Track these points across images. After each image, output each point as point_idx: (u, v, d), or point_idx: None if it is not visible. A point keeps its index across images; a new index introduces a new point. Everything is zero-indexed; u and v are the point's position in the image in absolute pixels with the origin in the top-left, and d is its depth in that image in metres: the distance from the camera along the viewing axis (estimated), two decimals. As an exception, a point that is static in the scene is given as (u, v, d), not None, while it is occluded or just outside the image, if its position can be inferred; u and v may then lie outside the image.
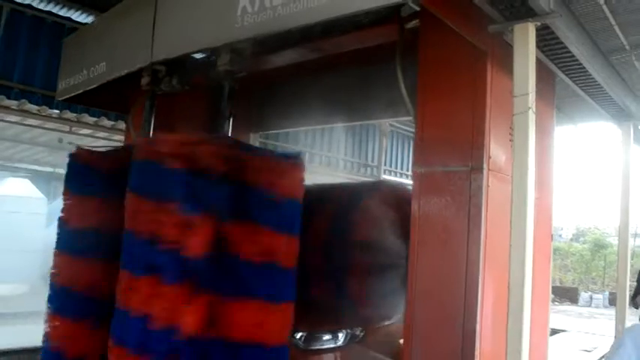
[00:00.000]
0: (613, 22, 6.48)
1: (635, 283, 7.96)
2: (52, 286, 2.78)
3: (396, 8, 2.18)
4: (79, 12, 5.25)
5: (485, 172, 2.17)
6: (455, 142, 2.24)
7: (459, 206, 2.19)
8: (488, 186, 2.16)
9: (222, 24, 2.30)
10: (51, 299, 2.76)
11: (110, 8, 3.28)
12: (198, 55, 2.83)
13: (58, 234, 2.85)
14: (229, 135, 2.56)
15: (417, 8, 1.89)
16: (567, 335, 9.83)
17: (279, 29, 2.09)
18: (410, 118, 4.20)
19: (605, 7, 5.90)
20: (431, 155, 2.28)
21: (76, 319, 2.64)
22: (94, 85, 3.22)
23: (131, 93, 3.80)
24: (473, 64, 2.26)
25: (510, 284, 1.94)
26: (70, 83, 3.52)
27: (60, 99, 3.72)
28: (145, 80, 2.90)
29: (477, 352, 2.07)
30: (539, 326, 2.68)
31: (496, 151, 2.21)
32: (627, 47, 7.26)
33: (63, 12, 5.20)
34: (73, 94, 3.50)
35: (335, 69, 3.46)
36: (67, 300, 2.70)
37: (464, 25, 2.12)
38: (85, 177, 2.85)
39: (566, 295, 17.93)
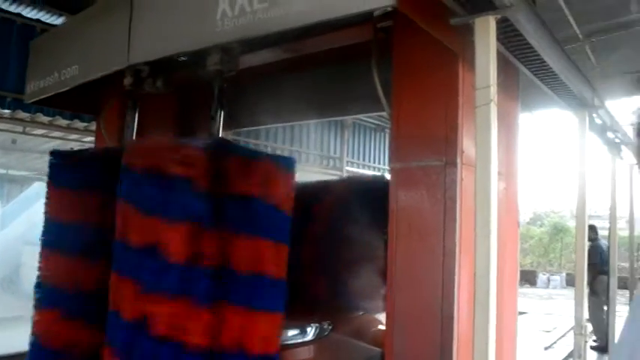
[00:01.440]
0: (567, 12, 6.75)
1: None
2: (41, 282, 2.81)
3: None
4: (49, 14, 5.16)
5: (458, 166, 2.29)
6: (429, 138, 2.35)
7: (434, 199, 2.30)
8: (462, 179, 2.29)
9: (201, 27, 2.34)
10: (39, 296, 2.79)
11: (81, 10, 3.26)
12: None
13: (44, 230, 2.87)
14: (219, 135, 2.55)
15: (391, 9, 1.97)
16: (527, 317, 10.19)
17: (259, 33, 2.15)
18: (377, 112, 4.32)
19: (560, -1, 6.12)
20: (406, 151, 2.38)
21: (65, 316, 2.68)
22: (66, 88, 3.19)
23: (102, 95, 3.80)
24: (445, 62, 2.38)
25: (476, 273, 2.05)
26: (39, 85, 3.48)
27: (29, 101, 3.68)
28: (127, 81, 2.86)
29: (454, 337, 2.20)
30: (509, 309, 2.85)
31: (468, 146, 2.33)
32: (580, 37, 7.56)
33: (32, 14, 5.12)
34: (42, 97, 3.47)
35: (307, 67, 3.52)
36: (55, 296, 2.73)
37: (435, 26, 2.22)
38: (69, 170, 2.89)
39: (524, 277, 18.54)
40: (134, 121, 3.12)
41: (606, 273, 7.29)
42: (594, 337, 8.07)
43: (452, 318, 2.22)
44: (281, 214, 2.22)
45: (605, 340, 7.25)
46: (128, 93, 3.02)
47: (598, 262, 8.49)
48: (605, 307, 7.41)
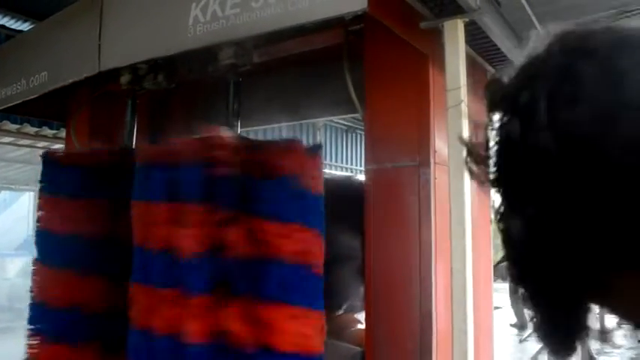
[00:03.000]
0: (530, 12, 6.91)
1: None
2: (33, 304, 2.67)
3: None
4: (14, 19, 5.07)
5: (432, 166, 2.33)
6: (402, 139, 2.39)
7: (409, 199, 2.35)
8: (435, 178, 2.33)
9: (173, 33, 2.34)
10: (32, 319, 2.65)
11: (47, 15, 3.22)
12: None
13: (38, 243, 2.76)
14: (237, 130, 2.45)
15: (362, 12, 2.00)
16: (502, 312, 10.37)
17: (232, 38, 2.17)
18: (348, 114, 4.36)
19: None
20: (381, 153, 2.42)
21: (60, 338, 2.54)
22: (35, 95, 3.16)
23: (71, 100, 3.76)
24: (415, 65, 2.42)
25: (453, 269, 2.11)
26: (6, 93, 3.42)
27: (-5, 110, 3.62)
28: (125, 79, 2.79)
29: (433, 331, 2.24)
30: (484, 303, 2.91)
31: (440, 146, 2.38)
32: (544, 37, 7.77)
33: (-5, 20, 5.02)
34: (9, 105, 3.42)
35: (277, 70, 3.53)
36: (50, 318, 2.59)
37: (405, 29, 2.27)
38: (63, 176, 2.73)
39: (496, 272, 18.81)
40: (134, 121, 3.04)
41: None
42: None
43: (430, 314, 2.26)
44: (312, 196, 2.01)
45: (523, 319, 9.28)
46: (126, 92, 2.95)
47: None
48: None
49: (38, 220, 2.77)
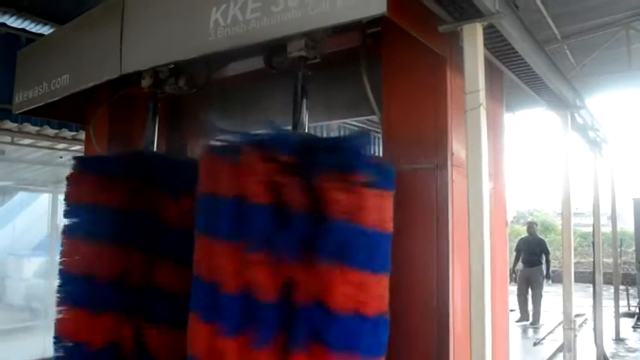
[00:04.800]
0: (545, 14, 6.90)
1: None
2: (65, 275, 2.77)
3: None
4: (34, 23, 5.14)
5: (449, 168, 2.35)
6: (420, 141, 2.41)
7: (426, 201, 2.36)
8: (452, 181, 2.35)
9: (194, 37, 2.37)
10: (65, 289, 2.76)
11: (68, 19, 3.27)
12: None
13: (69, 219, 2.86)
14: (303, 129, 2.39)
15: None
16: (516, 314, 10.32)
17: (252, 42, 2.19)
18: (364, 116, 4.38)
19: (538, 0, 6.28)
20: (398, 154, 2.43)
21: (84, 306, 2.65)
22: (56, 98, 3.20)
23: (91, 103, 3.82)
24: (433, 67, 2.44)
25: (471, 270, 2.13)
26: (28, 96, 3.48)
27: (17, 112, 3.68)
28: (146, 82, 2.83)
29: (451, 331, 2.26)
30: (500, 305, 2.91)
31: (458, 148, 2.40)
32: (559, 37, 7.72)
33: (17, 23, 5.09)
34: (31, 107, 3.47)
35: (294, 73, 3.55)
36: (85, 290, 2.70)
37: (423, 32, 2.28)
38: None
39: (510, 275, 18.71)
40: (155, 125, 3.10)
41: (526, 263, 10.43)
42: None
43: (447, 315, 2.28)
44: (381, 237, 2.00)
45: (526, 316, 10.22)
46: (145, 95, 3.00)
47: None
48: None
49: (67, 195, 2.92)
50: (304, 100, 2.39)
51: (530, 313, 10.36)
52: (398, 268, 2.33)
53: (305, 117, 2.39)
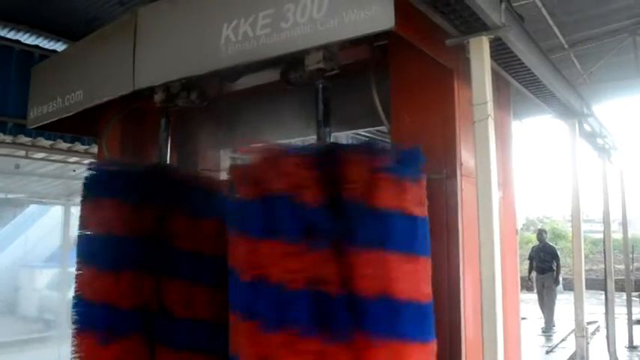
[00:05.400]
0: (551, 23, 6.92)
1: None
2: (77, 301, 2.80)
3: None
4: (47, 39, 5.24)
5: (458, 178, 2.39)
6: (429, 152, 2.43)
7: (437, 210, 2.38)
8: (462, 190, 2.38)
9: (205, 52, 2.43)
10: (77, 315, 2.78)
11: (80, 36, 3.33)
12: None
13: (80, 246, 2.88)
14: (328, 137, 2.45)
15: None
16: (527, 323, 10.27)
17: (263, 57, 2.25)
18: (372, 127, 4.41)
19: (543, 10, 6.31)
20: (407, 165, 2.46)
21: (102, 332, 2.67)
22: (70, 113, 3.26)
23: (103, 117, 3.88)
24: (440, 79, 2.48)
25: (482, 278, 2.15)
26: (42, 111, 3.54)
27: (32, 127, 3.75)
28: (159, 97, 2.87)
29: (462, 339, 2.28)
30: (511, 313, 2.93)
31: (467, 158, 2.43)
32: (566, 46, 7.73)
33: (31, 40, 5.19)
34: (46, 122, 3.53)
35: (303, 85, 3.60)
36: (91, 314, 2.73)
37: (430, 45, 2.33)
38: (107, 181, 2.88)
39: (522, 283, 18.57)
40: (168, 138, 3.15)
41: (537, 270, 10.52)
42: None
43: (459, 323, 2.30)
44: (415, 221, 2.06)
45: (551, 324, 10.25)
46: (159, 109, 3.04)
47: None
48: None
49: (81, 223, 2.89)
50: (326, 111, 2.43)
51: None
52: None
53: (328, 128, 2.45)
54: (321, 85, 2.41)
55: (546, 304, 10.35)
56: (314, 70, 2.31)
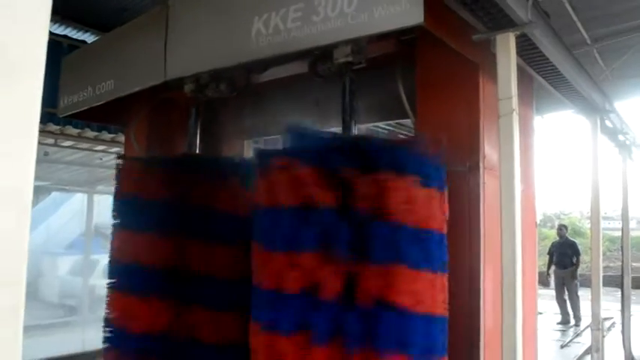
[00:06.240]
0: (575, 18, 6.88)
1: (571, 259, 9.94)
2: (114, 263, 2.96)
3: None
4: (75, 30, 5.34)
5: (481, 170, 2.44)
6: (453, 145, 2.48)
7: (459, 202, 2.44)
8: (484, 183, 2.43)
9: (236, 45, 2.49)
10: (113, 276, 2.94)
11: (109, 27, 3.41)
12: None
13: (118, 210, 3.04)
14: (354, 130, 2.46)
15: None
16: (544, 317, 10.27)
17: (293, 50, 2.31)
18: (392, 120, 4.44)
19: (567, 5, 6.28)
20: (432, 157, 2.52)
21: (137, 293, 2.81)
22: (101, 102, 3.35)
23: (132, 106, 3.97)
24: (466, 73, 2.53)
25: (503, 268, 2.20)
26: (73, 100, 3.63)
27: (62, 115, 3.84)
28: (188, 87, 2.94)
29: (481, 328, 2.34)
30: (529, 305, 2.97)
31: (490, 151, 2.48)
32: (589, 41, 7.68)
33: (60, 30, 5.28)
34: (76, 111, 3.63)
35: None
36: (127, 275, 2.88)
37: (457, 40, 2.37)
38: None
39: (545, 278, 18.51)
40: (197, 129, 3.23)
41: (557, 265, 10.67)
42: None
43: (479, 315, 2.36)
44: (431, 236, 2.08)
45: (567, 318, 10.36)
46: (187, 99, 3.12)
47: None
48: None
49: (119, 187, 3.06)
50: (354, 103, 2.46)
51: (571, 315, 10.43)
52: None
53: (354, 120, 2.47)
54: (348, 78, 2.45)
55: (570, 299, 10.41)
56: (342, 62, 2.36)
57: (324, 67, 2.55)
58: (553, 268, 10.92)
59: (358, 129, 2.51)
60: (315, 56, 2.58)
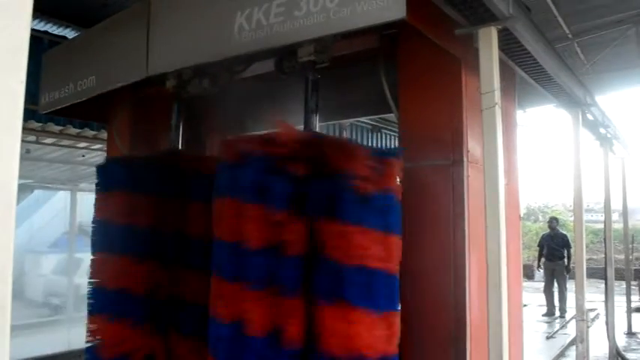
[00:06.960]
0: (556, 13, 6.94)
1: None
2: (92, 287, 2.88)
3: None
4: (56, 26, 5.26)
5: (465, 164, 2.45)
6: (436, 139, 2.51)
7: (443, 196, 2.46)
8: (468, 176, 2.45)
9: (219, 40, 2.48)
10: (92, 300, 2.87)
11: (90, 22, 3.36)
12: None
13: (95, 236, 2.97)
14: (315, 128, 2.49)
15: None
16: (528, 309, 10.39)
17: (275, 45, 2.30)
18: (375, 115, 4.43)
19: (548, 0, 6.33)
20: (415, 152, 2.53)
21: (116, 318, 2.75)
22: (83, 99, 3.30)
23: (114, 103, 3.93)
24: (448, 67, 2.54)
25: (488, 260, 2.22)
26: (54, 97, 3.58)
27: (44, 112, 3.79)
28: (170, 83, 2.92)
29: (467, 321, 2.36)
30: (514, 297, 3.00)
31: (473, 145, 2.50)
32: (570, 36, 7.75)
33: (40, 26, 5.21)
34: (58, 107, 3.58)
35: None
36: (106, 300, 2.81)
37: (439, 34, 2.38)
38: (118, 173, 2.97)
39: (536, 270, 18.70)
40: (180, 124, 3.19)
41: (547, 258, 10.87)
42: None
43: (464, 309, 2.37)
44: (387, 199, 2.13)
45: (553, 310, 10.58)
46: (169, 95, 3.09)
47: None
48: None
49: (96, 213, 2.98)
50: (315, 103, 2.48)
51: (557, 307, 10.60)
52: (416, 260, 2.43)
53: (316, 119, 2.49)
54: (311, 77, 2.47)
55: (559, 291, 10.57)
56: (305, 61, 2.39)
57: (289, 65, 2.56)
58: (543, 260, 11.00)
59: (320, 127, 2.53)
60: (282, 54, 2.57)
